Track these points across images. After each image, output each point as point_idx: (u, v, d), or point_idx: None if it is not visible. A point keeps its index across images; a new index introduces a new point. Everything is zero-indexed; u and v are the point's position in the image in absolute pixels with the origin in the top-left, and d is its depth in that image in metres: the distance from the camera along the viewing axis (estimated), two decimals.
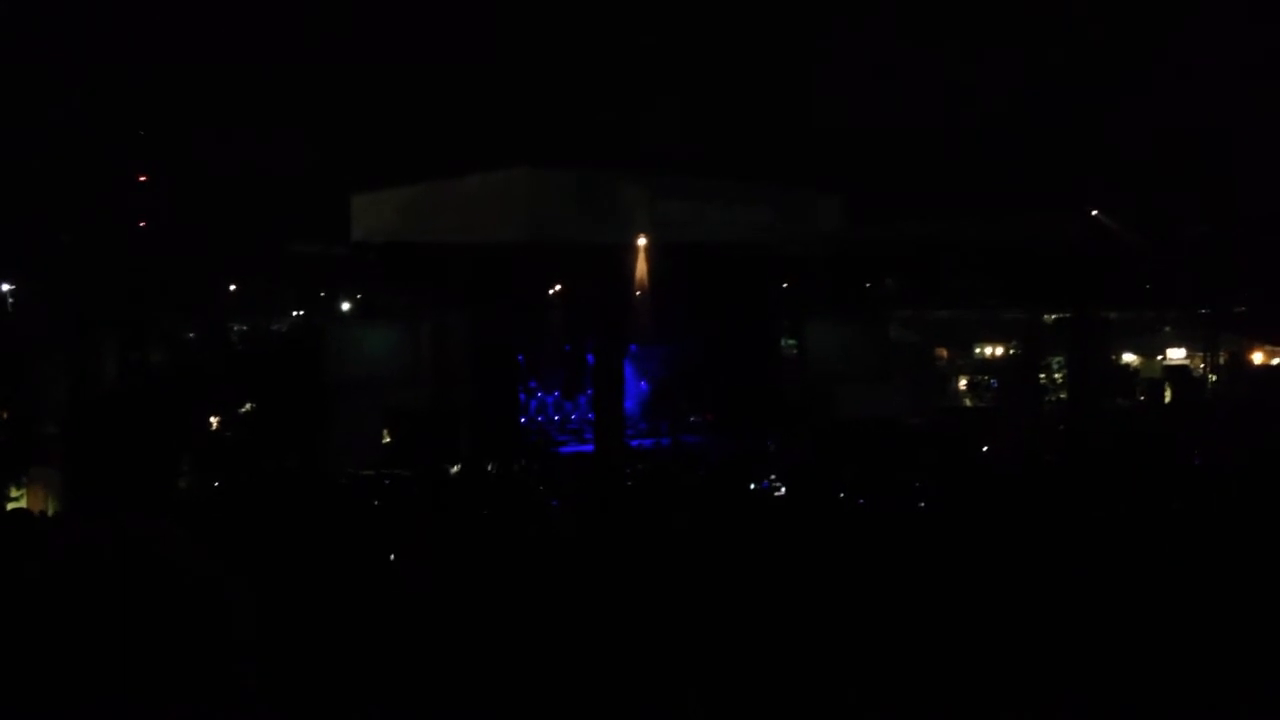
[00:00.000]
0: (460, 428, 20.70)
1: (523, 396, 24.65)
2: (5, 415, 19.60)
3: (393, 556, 8.62)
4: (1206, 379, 31.33)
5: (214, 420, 21.20)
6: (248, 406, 21.57)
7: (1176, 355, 33.38)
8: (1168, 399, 29.44)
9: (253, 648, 6.16)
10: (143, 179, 21.64)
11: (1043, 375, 28.59)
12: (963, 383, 31.13)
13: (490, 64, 21.10)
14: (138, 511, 10.13)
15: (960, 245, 22.60)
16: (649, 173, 21.54)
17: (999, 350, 32.83)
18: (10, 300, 21.69)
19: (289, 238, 22.19)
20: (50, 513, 15.42)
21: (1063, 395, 28.19)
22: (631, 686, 5.92)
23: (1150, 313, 32.52)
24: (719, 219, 21.86)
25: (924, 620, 6.59)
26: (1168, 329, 33.72)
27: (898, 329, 26.69)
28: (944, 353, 31.28)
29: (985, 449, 19.11)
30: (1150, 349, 33.51)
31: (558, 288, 23.16)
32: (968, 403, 29.93)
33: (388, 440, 21.11)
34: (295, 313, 25.40)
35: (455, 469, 18.49)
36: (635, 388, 25.34)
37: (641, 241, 21.46)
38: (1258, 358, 32.49)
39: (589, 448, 23.40)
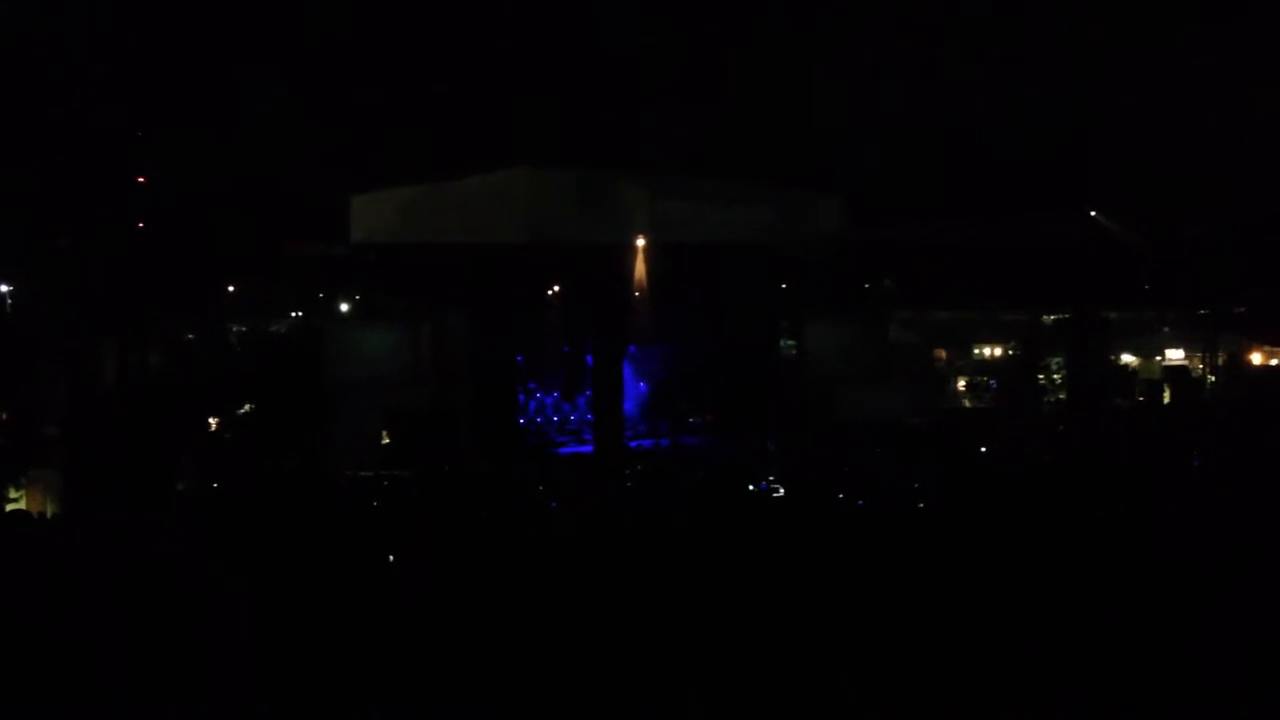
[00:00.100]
0: (459, 428, 20.73)
1: (522, 397, 24.69)
2: (5, 415, 19.60)
3: (392, 557, 8.63)
4: (1205, 379, 31.33)
5: (213, 421, 21.22)
6: (247, 407, 21.60)
7: (1176, 356, 33.35)
8: (1167, 400, 29.45)
9: (252, 648, 6.16)
10: (142, 179, 21.62)
11: (1042, 376, 28.62)
12: (962, 383, 31.14)
13: (490, 64, 21.06)
14: (137, 512, 10.14)
15: (960, 245, 22.61)
16: (649, 173, 21.53)
17: (998, 351, 32.82)
18: (10, 300, 21.67)
19: (288, 238, 22.17)
20: (50, 514, 15.44)
21: (1062, 396, 28.22)
22: (631, 687, 5.93)
23: (1150, 313, 32.49)
24: (719, 219, 21.84)
25: (924, 620, 6.60)
26: (1167, 329, 33.69)
27: (898, 329, 26.69)
28: (943, 354, 31.28)
29: (985, 450, 19.14)
30: (1149, 349, 33.48)
31: (557, 288, 23.18)
32: (967, 403, 29.94)
33: (387, 441, 21.13)
34: (295, 313, 25.40)
35: (454, 469, 18.51)
36: (634, 388, 25.35)
37: (641, 242, 21.47)
38: (1257, 358, 32.46)
39: (588, 448, 23.44)
